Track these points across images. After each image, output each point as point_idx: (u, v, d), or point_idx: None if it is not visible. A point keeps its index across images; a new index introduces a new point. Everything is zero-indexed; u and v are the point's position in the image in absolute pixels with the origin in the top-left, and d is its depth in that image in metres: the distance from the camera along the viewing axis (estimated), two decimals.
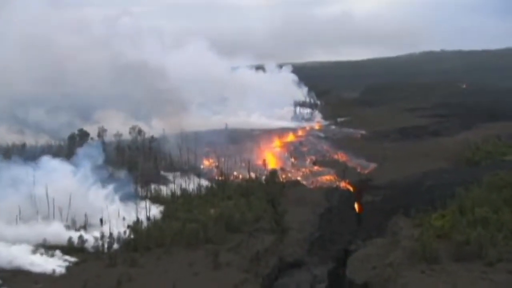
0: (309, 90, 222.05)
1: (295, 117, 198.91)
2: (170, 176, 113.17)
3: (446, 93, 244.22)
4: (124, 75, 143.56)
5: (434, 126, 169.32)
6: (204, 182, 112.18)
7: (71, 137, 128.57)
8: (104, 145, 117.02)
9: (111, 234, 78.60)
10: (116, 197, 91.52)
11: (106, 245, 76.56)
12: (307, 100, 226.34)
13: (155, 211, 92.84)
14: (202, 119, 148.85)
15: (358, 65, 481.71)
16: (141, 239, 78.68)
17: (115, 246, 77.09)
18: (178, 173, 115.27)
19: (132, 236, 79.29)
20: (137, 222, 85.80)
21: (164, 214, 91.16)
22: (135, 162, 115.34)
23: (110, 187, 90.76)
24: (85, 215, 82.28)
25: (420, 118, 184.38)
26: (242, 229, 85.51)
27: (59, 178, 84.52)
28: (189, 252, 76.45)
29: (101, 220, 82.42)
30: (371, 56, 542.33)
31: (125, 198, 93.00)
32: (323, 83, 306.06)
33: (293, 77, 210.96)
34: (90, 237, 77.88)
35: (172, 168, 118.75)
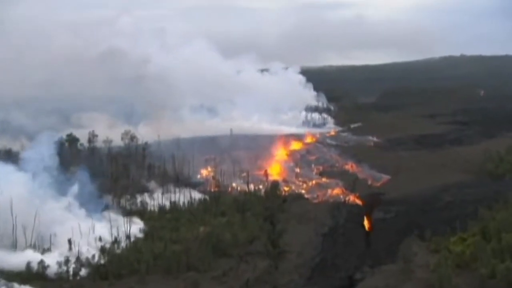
0: (318, 92, 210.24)
1: (306, 123, 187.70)
2: (160, 187, 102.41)
3: (467, 98, 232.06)
4: (120, 76, 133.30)
5: (453, 134, 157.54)
6: (198, 195, 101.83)
7: (58, 143, 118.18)
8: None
9: (78, 258, 68.15)
10: (95, 213, 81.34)
11: (71, 271, 65.94)
12: (319, 104, 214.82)
13: (138, 228, 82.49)
14: (201, 124, 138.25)
15: (375, 69, 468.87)
16: (114, 264, 68.06)
17: (83, 272, 66.57)
18: (171, 184, 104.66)
19: (102, 261, 68.61)
20: (114, 242, 75.36)
21: (147, 232, 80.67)
22: (122, 171, 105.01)
23: (84, 200, 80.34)
24: (51, 235, 71.76)
25: (438, 125, 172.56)
26: (232, 252, 75.00)
27: (13, 187, 73.57)
28: (166, 281, 65.98)
29: (69, 241, 71.88)
30: (388, 61, 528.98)
31: (103, 213, 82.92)
32: (338, 87, 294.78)
33: (301, 79, 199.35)
34: (54, 261, 67.25)
35: (165, 178, 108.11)
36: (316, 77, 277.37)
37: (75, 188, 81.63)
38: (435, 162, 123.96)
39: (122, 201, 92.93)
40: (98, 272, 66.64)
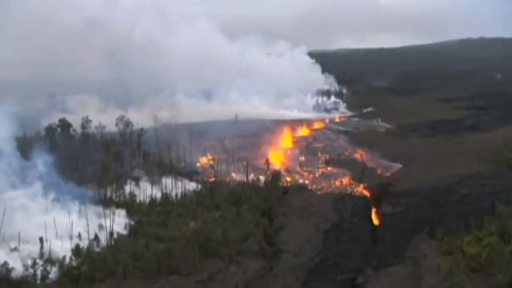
0: (327, 74, 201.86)
1: (317, 107, 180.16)
2: (153, 177, 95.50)
3: (485, 82, 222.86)
4: (116, 57, 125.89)
5: (470, 119, 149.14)
6: (195, 186, 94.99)
7: (49, 128, 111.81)
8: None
9: (48, 259, 61.43)
10: (74, 206, 74.65)
11: (39, 275, 59.20)
12: (331, 88, 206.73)
13: (124, 223, 75.69)
14: (201, 109, 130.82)
15: (391, 52, 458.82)
16: (88, 266, 61.26)
17: (52, 275, 59.82)
18: (165, 174, 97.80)
19: (74, 263, 61.81)
20: (93, 240, 68.57)
21: (132, 228, 73.80)
22: (114, 159, 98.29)
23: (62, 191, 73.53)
24: (19, 233, 64.85)
25: (455, 110, 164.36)
26: (222, 252, 67.65)
27: None
28: (144, 286, 59.00)
29: (41, 239, 65.15)
30: (405, 44, 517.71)
31: (85, 206, 76.15)
32: (352, 70, 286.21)
33: (308, 61, 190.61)
34: (20, 263, 60.51)
35: (160, 167, 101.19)
36: (330, 60, 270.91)
37: (44, 177, 74.63)
38: (450, 150, 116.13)
39: (109, 192, 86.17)
40: (69, 275, 59.65)
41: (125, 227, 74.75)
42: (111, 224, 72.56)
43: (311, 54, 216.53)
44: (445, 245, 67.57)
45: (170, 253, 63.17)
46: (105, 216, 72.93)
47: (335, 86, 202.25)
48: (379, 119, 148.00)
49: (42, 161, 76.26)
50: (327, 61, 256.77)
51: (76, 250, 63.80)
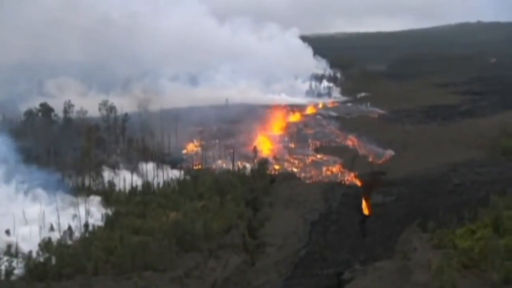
0: (318, 57, 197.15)
1: (310, 92, 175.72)
2: (135, 164, 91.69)
3: (483, 66, 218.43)
4: (98, 38, 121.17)
5: (466, 104, 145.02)
6: (178, 173, 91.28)
7: (29, 113, 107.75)
8: None
9: (13, 254, 57.79)
10: (47, 195, 70.97)
11: (3, 271, 55.59)
12: (325, 72, 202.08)
13: (101, 214, 72.08)
14: (187, 93, 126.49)
15: (389, 36, 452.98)
16: (56, 262, 57.65)
17: (17, 271, 56.20)
18: (148, 161, 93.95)
19: (41, 259, 58.14)
20: (66, 233, 64.97)
21: (109, 219, 70.19)
22: (95, 146, 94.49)
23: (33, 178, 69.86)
24: None
25: (451, 94, 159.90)
26: (201, 245, 64.11)
27: None
28: (116, 283, 55.44)
29: (7, 232, 61.46)
30: (403, 28, 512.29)
31: (63, 196, 72.62)
32: (347, 54, 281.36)
33: (300, 44, 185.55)
34: None
35: (145, 154, 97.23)
36: (326, 44, 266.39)
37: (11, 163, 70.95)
38: (445, 137, 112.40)
39: (88, 180, 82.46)
40: (36, 271, 56.06)
41: (102, 218, 71.09)
42: (86, 214, 68.94)
43: (308, 38, 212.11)
44: (437, 239, 64.05)
45: (145, 247, 59.40)
46: (78, 206, 69.16)
47: (328, 70, 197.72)
48: (368, 104, 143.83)
49: (6, 147, 72.30)
50: (323, 44, 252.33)
51: (44, 244, 60.06)
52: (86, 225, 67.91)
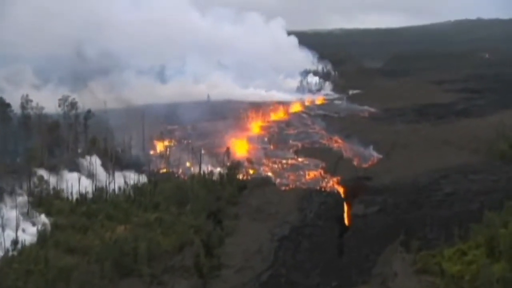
0: (304, 50, 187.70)
1: (301, 88, 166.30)
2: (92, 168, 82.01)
3: (480, 64, 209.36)
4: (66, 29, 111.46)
5: (462, 103, 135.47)
6: (140, 178, 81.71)
7: None
8: None
9: None
10: None
11: None
12: (318, 68, 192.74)
13: (36, 228, 62.50)
14: (159, 89, 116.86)
15: (387, 33, 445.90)
16: None
17: None
18: (106, 164, 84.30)
19: None
20: None
21: (41, 234, 60.62)
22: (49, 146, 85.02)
23: None
24: None
25: (446, 92, 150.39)
26: (143, 269, 54.53)
27: None
28: None
29: None
30: (403, 24, 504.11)
31: None
32: (342, 51, 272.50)
33: (286, 36, 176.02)
34: None
35: (104, 156, 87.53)
36: (322, 40, 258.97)
37: None
38: (437, 137, 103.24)
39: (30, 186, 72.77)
40: None
41: (37, 232, 61.58)
42: (16, 229, 59.50)
43: (305, 34, 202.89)
44: (421, 262, 54.78)
45: (71, 272, 49.89)
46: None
47: (320, 66, 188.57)
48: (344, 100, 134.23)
49: None
50: (319, 40, 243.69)
51: None
52: (15, 242, 58.41)
